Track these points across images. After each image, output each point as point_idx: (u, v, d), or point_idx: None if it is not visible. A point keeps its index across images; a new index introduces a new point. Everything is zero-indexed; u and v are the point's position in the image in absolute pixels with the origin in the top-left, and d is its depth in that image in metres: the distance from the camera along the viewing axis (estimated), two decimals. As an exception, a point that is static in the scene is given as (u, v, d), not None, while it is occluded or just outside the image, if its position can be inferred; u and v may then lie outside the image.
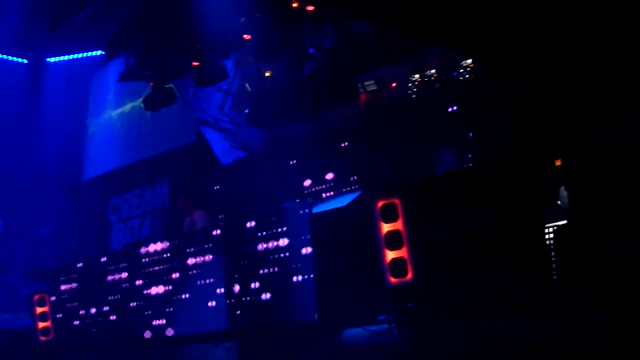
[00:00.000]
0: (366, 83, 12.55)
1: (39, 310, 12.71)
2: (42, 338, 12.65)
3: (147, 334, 10.99)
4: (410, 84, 12.05)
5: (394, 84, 12.42)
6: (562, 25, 8.57)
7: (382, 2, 8.78)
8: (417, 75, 12.01)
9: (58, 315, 12.60)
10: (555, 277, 7.68)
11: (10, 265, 14.93)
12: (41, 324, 12.69)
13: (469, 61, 11.38)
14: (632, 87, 8.25)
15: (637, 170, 7.49)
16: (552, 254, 7.67)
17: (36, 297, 12.81)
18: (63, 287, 12.65)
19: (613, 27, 8.32)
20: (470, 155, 9.96)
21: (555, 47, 8.81)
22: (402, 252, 8.04)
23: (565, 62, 8.73)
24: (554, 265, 7.69)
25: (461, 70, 11.51)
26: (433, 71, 11.82)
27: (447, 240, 7.90)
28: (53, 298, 12.66)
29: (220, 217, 12.77)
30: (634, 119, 7.97)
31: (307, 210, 9.19)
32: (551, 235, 7.68)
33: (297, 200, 11.54)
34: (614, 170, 7.59)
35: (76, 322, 12.29)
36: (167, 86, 12.99)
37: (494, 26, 9.07)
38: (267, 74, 13.34)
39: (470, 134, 10.57)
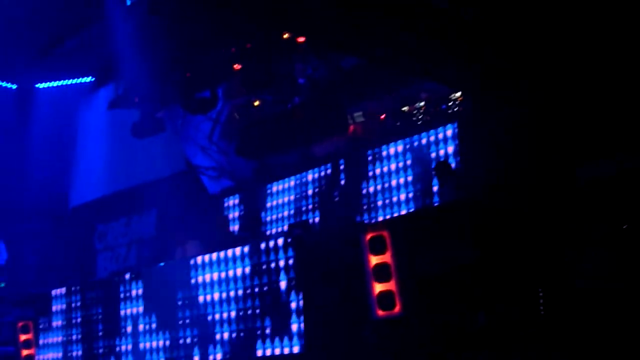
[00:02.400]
0: (355, 114, 12.59)
1: (23, 337, 12.60)
2: (26, 366, 12.53)
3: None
4: (399, 116, 12.09)
5: (382, 116, 12.47)
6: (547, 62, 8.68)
7: (373, 37, 8.85)
8: (406, 108, 12.05)
9: (43, 343, 12.51)
10: (542, 313, 7.69)
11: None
12: (25, 352, 12.57)
13: (458, 94, 11.44)
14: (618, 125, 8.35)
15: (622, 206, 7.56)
16: (539, 291, 7.69)
17: (20, 324, 12.70)
18: (49, 314, 12.58)
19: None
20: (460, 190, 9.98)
21: (540, 84, 8.90)
22: (390, 285, 8.03)
23: (551, 98, 8.83)
24: (541, 302, 7.70)
25: (450, 103, 11.56)
26: (422, 104, 11.86)
27: (436, 274, 7.90)
28: (39, 325, 12.59)
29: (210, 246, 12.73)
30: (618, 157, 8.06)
31: (295, 240, 9.19)
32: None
33: (286, 230, 11.54)
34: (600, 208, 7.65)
35: (62, 350, 12.23)
36: (156, 114, 13.01)
37: (481, 63, 9.16)
38: (256, 104, 13.38)
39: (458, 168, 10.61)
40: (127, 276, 11.34)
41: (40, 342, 12.60)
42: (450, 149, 10.90)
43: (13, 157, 17.90)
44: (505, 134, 9.21)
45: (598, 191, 7.77)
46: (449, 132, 11.01)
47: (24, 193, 17.49)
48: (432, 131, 11.24)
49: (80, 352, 11.97)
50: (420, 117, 11.92)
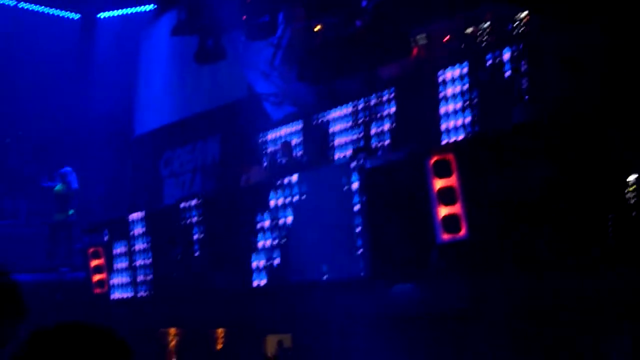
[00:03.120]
0: (418, 37, 12.35)
1: (94, 263, 12.93)
2: (97, 290, 12.87)
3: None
4: (463, 38, 11.83)
5: (446, 38, 12.21)
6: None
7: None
8: (470, 29, 11.77)
9: (114, 268, 12.80)
10: (610, 233, 7.55)
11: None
12: (96, 277, 12.91)
13: (524, 14, 11.12)
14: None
15: None
16: (609, 209, 7.53)
17: (91, 250, 13.02)
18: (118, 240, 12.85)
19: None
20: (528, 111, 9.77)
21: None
22: (456, 208, 7.98)
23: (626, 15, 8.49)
24: (609, 221, 7.55)
25: (516, 24, 11.24)
26: (487, 24, 11.56)
27: (502, 197, 7.81)
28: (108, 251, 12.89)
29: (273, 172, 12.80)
30: None
31: (360, 165, 9.16)
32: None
33: (350, 155, 11.49)
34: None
35: (131, 275, 12.51)
36: (218, 40, 13.00)
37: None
38: (317, 28, 13.22)
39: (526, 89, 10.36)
40: (195, 201, 11.48)
41: (114, 267, 12.90)
42: (517, 70, 10.65)
43: (78, 87, 18.14)
44: (575, 53, 8.95)
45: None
46: (515, 53, 10.75)
47: (90, 122, 17.75)
48: (497, 52, 10.99)
49: (151, 277, 12.23)
50: (485, 38, 11.63)
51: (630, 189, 7.30)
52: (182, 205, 11.68)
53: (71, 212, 15.05)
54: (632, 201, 7.34)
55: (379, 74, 12.57)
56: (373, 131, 12.42)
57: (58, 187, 15.17)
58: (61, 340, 2.10)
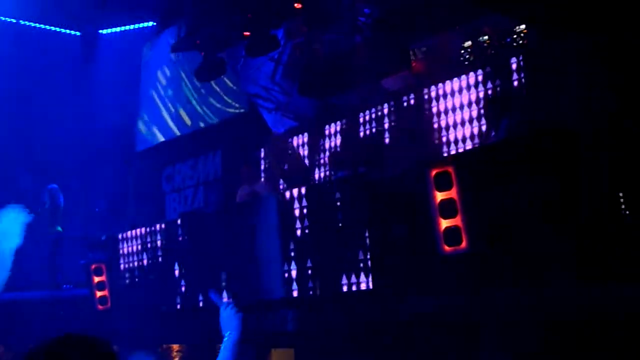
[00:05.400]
0: (417, 50, 12.42)
1: (97, 279, 12.96)
2: (100, 307, 12.90)
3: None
4: (462, 51, 11.89)
5: (445, 51, 12.27)
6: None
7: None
8: (469, 42, 11.83)
9: (116, 284, 12.83)
10: (608, 246, 7.56)
11: (67, 236, 15.18)
12: (98, 293, 12.94)
13: (523, 27, 11.19)
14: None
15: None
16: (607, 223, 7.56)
17: (93, 266, 13.06)
18: (121, 256, 12.88)
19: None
20: (526, 123, 9.80)
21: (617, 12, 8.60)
22: (457, 221, 8.01)
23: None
24: (607, 234, 7.57)
25: (514, 36, 11.31)
26: (486, 38, 11.64)
27: (503, 209, 7.83)
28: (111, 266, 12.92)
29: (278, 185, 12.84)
30: None
31: (360, 179, 9.20)
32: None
33: (350, 169, 11.51)
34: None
35: (135, 290, 12.53)
36: (218, 56, 13.07)
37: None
38: (318, 43, 13.31)
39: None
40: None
41: (115, 283, 12.93)
42: (516, 83, 10.70)
43: (80, 103, 18.21)
44: (574, 64, 8.98)
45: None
46: (514, 66, 10.80)
47: (92, 138, 17.80)
48: (496, 65, 11.05)
49: (151, 294, 12.25)
50: (484, 51, 11.70)
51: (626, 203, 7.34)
52: (180, 220, 11.73)
53: (59, 228, 14.90)
54: (629, 215, 7.38)
55: (383, 87, 12.63)
56: (373, 144, 12.46)
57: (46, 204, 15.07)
58: (59, 351, 2.15)
